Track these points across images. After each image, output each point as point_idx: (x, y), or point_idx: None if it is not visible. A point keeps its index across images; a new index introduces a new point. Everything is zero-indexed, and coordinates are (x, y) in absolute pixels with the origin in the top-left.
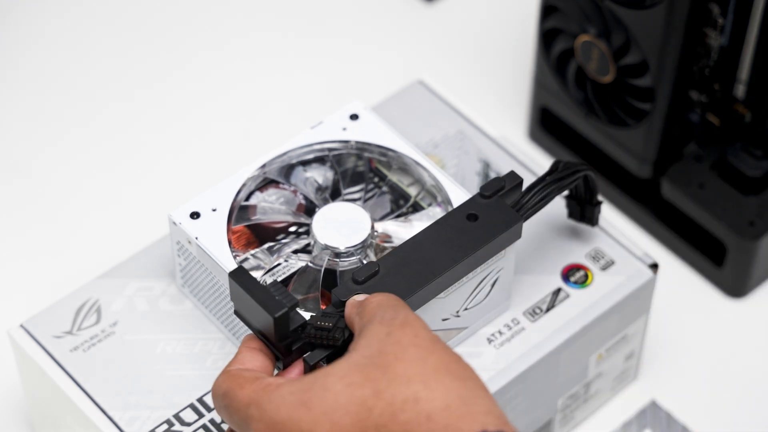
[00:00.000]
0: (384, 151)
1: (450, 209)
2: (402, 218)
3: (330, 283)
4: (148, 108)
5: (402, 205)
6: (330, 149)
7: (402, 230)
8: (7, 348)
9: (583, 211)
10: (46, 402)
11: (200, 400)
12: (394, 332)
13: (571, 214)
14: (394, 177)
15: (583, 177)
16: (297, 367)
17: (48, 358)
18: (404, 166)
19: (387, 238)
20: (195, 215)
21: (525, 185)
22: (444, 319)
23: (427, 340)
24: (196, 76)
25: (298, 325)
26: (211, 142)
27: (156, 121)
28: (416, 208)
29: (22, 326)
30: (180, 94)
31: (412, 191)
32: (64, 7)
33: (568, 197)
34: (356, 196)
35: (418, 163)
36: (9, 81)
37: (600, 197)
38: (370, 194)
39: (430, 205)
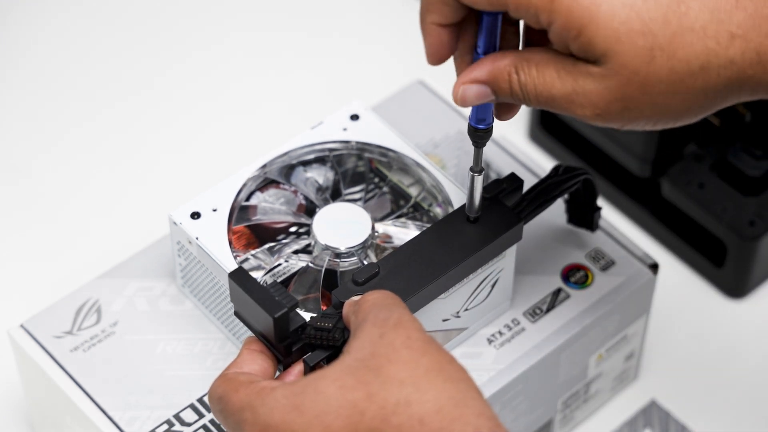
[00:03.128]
0: (384, 151)
1: (450, 210)
2: (402, 219)
3: (330, 283)
4: (148, 108)
5: (402, 206)
6: (330, 149)
7: (402, 231)
8: (8, 348)
9: (583, 216)
10: (46, 402)
11: (200, 401)
12: (387, 333)
13: (571, 219)
14: (394, 177)
15: (583, 181)
16: (297, 368)
17: (48, 358)
18: (405, 166)
19: (387, 238)
20: (195, 215)
21: (525, 187)
22: (444, 320)
23: (420, 341)
24: (195, 76)
25: (298, 325)
26: (211, 143)
27: (156, 121)
28: (417, 208)
29: (22, 326)
30: (180, 94)
31: (413, 192)
32: (63, 7)
33: (567, 202)
34: (357, 196)
35: (418, 164)
36: (8, 81)
37: (600, 199)
38: (370, 195)
39: (430, 205)
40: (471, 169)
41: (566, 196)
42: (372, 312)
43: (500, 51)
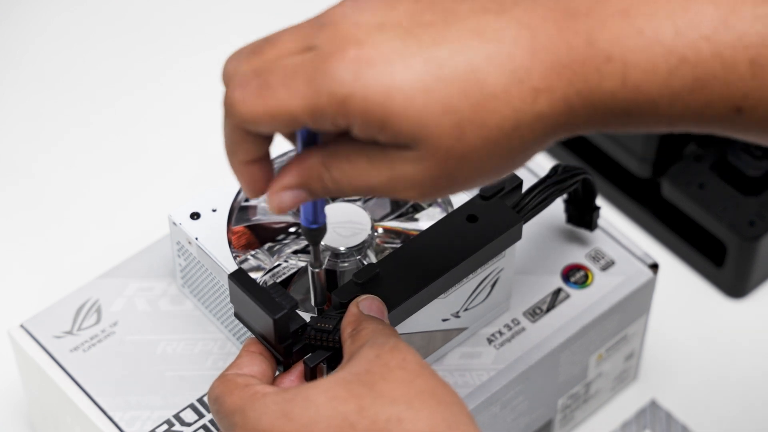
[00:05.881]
0: None
1: (450, 210)
2: (403, 218)
3: (331, 283)
4: (148, 108)
5: (402, 205)
6: None
7: (402, 229)
8: (8, 348)
9: (582, 215)
10: (46, 402)
11: (200, 401)
12: (383, 355)
13: (570, 219)
14: None
15: (582, 181)
16: (297, 369)
17: (48, 358)
18: None
19: (387, 238)
20: (195, 215)
21: (525, 186)
22: (444, 320)
23: (415, 363)
24: (196, 76)
25: (299, 326)
26: (211, 143)
27: (156, 122)
28: (416, 208)
29: (22, 326)
30: (180, 94)
31: None
32: (64, 7)
33: (566, 201)
34: (356, 196)
35: None
36: (9, 81)
37: (600, 199)
38: None
39: (430, 205)
40: (311, 265)
41: (565, 195)
42: (371, 338)
43: (303, 150)
